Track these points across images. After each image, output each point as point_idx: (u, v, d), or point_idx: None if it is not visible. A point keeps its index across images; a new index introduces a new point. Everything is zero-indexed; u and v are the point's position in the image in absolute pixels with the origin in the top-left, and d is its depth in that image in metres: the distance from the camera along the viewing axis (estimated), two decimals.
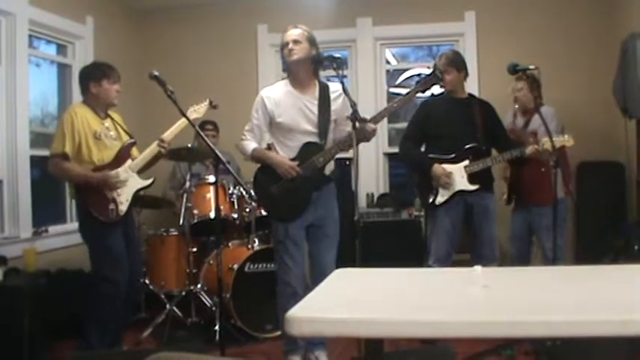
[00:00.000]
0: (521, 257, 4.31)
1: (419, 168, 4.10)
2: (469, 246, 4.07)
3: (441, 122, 3.99)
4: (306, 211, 3.44)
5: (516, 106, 4.36)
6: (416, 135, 4.11)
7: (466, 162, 3.93)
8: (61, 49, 5.15)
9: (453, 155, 3.93)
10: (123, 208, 3.65)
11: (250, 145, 3.49)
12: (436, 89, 3.98)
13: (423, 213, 4.68)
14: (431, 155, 4.01)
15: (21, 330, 3.54)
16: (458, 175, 3.91)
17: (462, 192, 3.92)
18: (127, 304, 3.78)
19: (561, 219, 4.20)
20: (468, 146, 3.92)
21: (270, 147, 3.60)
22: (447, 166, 3.92)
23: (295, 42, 3.40)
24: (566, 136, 3.79)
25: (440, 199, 3.93)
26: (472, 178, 3.91)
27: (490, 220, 3.98)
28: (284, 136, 3.48)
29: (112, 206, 3.61)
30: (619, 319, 1.47)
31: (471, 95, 4.17)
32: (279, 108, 3.45)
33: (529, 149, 3.86)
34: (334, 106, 3.49)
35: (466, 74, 4.09)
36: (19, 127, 4.40)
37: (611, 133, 5.03)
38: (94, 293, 3.60)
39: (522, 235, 4.35)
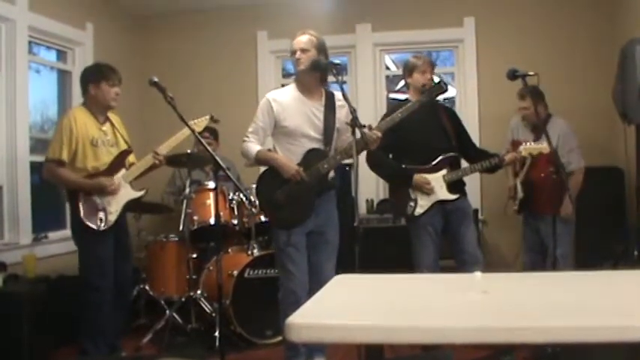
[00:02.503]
0: (535, 267, 4.28)
1: (397, 178, 3.97)
2: (449, 252, 3.99)
3: (413, 129, 3.80)
4: (308, 217, 3.43)
5: (524, 124, 4.34)
6: (387, 143, 3.76)
7: (444, 171, 3.85)
8: (61, 55, 5.16)
9: (432, 164, 3.84)
10: (112, 218, 3.65)
11: (254, 147, 3.45)
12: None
13: None
14: (410, 166, 3.87)
15: (20, 336, 3.54)
16: (437, 184, 3.82)
17: (440, 201, 3.84)
18: (119, 310, 3.78)
19: (570, 223, 4.19)
20: (449, 155, 3.85)
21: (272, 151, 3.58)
22: (426, 176, 3.83)
23: (303, 50, 3.38)
24: (544, 144, 3.69)
25: (419, 210, 3.83)
26: (450, 186, 3.85)
27: (470, 222, 3.93)
28: (288, 141, 3.45)
29: (101, 215, 3.61)
30: (618, 325, 1.47)
31: None
32: (285, 112, 3.42)
33: (508, 156, 3.84)
34: (339, 114, 3.48)
35: None
36: (19, 133, 4.41)
37: (611, 138, 5.03)
38: (82, 301, 3.61)
39: (534, 244, 4.34)
